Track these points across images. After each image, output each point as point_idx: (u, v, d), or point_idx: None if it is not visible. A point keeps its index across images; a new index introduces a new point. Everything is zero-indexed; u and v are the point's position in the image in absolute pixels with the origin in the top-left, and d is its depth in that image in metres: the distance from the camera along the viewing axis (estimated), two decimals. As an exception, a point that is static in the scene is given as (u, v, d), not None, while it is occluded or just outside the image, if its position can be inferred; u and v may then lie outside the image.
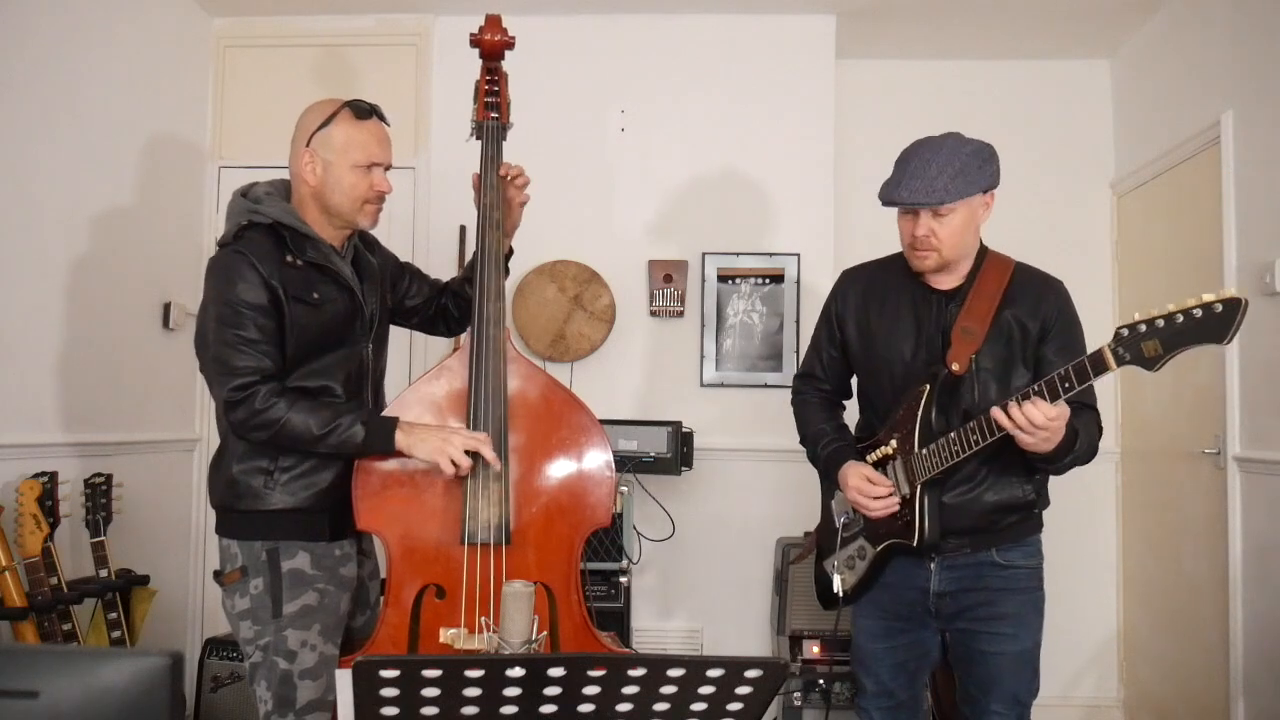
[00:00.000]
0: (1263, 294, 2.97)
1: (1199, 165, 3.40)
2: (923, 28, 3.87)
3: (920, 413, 1.99)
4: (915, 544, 1.99)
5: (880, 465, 2.08)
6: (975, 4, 3.66)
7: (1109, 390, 4.00)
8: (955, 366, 1.97)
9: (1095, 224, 4.07)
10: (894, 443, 2.04)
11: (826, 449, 2.19)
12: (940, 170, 1.91)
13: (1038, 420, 1.76)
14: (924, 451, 1.97)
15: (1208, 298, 1.60)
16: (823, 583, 2.25)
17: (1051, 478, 2.13)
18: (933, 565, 2.05)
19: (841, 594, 2.17)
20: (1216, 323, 1.59)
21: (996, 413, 1.80)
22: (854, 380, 2.30)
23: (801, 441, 2.30)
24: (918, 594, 2.08)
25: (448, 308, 2.36)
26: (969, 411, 1.96)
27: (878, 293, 2.15)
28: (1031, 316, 2.00)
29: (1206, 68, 3.35)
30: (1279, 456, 2.88)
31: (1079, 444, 1.89)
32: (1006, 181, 4.07)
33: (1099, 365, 1.71)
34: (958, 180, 1.91)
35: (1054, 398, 1.76)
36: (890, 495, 2.02)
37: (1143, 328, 1.65)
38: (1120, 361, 1.68)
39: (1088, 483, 3.98)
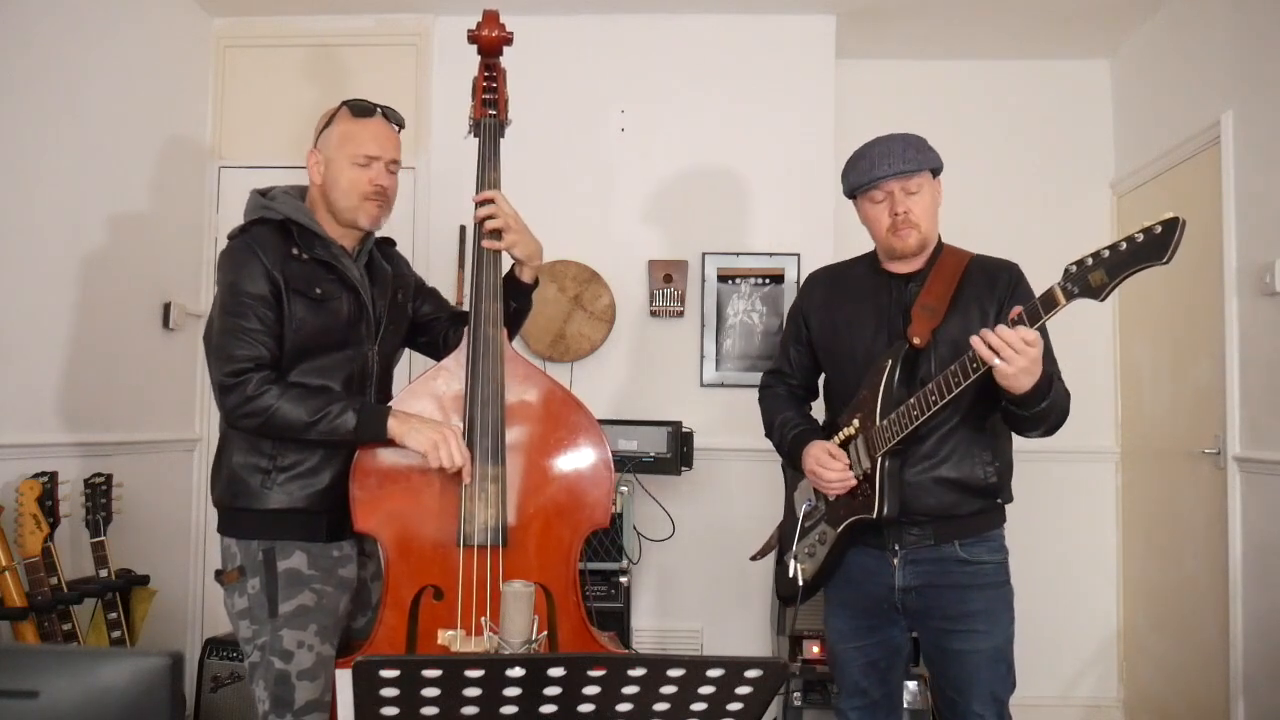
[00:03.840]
0: (1263, 294, 2.97)
1: (1199, 165, 3.40)
2: (923, 28, 3.87)
3: (883, 386, 2.02)
4: (875, 516, 2.00)
5: (843, 446, 2.10)
6: (975, 4, 3.66)
7: (1109, 390, 4.01)
8: (916, 340, 2.02)
9: (1095, 224, 4.07)
10: (856, 422, 2.07)
11: (792, 433, 2.22)
12: (904, 148, 2.05)
13: (1012, 340, 1.76)
14: (884, 422, 1.99)
15: (1148, 223, 1.62)
16: (782, 577, 2.26)
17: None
18: (896, 560, 2.06)
19: (800, 583, 2.18)
20: (1157, 243, 1.61)
21: (975, 341, 1.80)
22: (821, 380, 2.34)
23: (768, 433, 2.32)
24: (884, 590, 2.09)
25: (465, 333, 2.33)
26: (925, 382, 1.98)
27: (841, 286, 2.23)
28: (988, 297, 2.06)
29: (1206, 68, 3.35)
30: (1279, 456, 2.89)
31: (1053, 390, 1.89)
32: (1006, 181, 4.10)
33: (1049, 303, 1.75)
34: (921, 153, 2.06)
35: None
36: (846, 470, 2.04)
37: (1089, 261, 1.69)
38: (1069, 296, 1.72)
39: (1088, 483, 3.99)
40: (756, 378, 3.77)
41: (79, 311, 3.08)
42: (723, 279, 3.82)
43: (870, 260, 2.22)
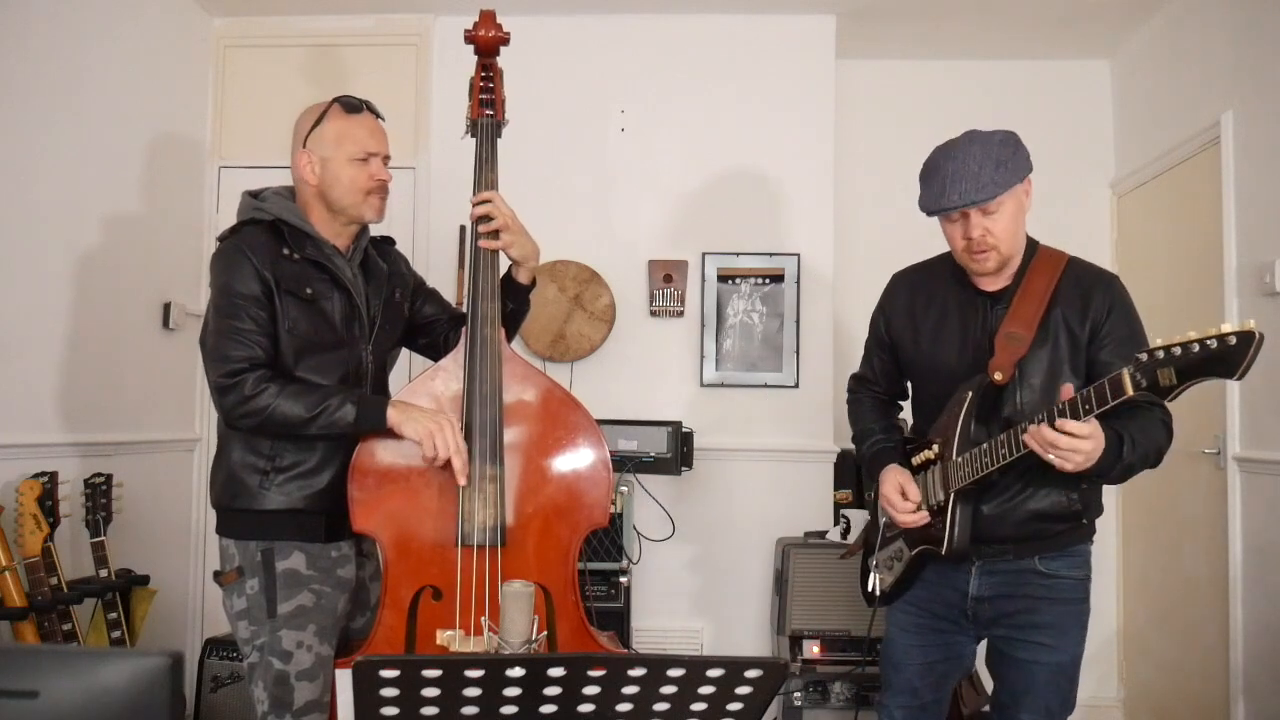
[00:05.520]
0: (1263, 294, 2.97)
1: (1199, 165, 3.40)
2: (923, 28, 3.87)
3: (960, 421, 1.93)
4: (943, 552, 1.94)
5: (922, 469, 2.04)
6: (975, 4, 3.66)
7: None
8: (998, 376, 1.91)
9: (1095, 224, 4.07)
10: (936, 447, 2.00)
11: (872, 448, 2.16)
12: (981, 165, 1.86)
13: (1063, 443, 1.69)
14: (959, 460, 1.92)
15: (1226, 328, 1.50)
16: (865, 580, 2.24)
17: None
18: (973, 569, 2.00)
19: (878, 594, 2.15)
20: (1231, 356, 1.49)
21: (1025, 437, 1.76)
22: (909, 382, 2.27)
23: (853, 440, 2.27)
24: (956, 596, 2.03)
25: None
26: (1010, 420, 1.90)
27: (925, 295, 2.11)
28: (1080, 319, 1.92)
29: (1206, 68, 3.35)
30: (1279, 456, 2.88)
31: (1125, 450, 1.78)
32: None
33: (1118, 390, 1.62)
34: (1001, 171, 1.87)
35: (1074, 417, 1.69)
36: (918, 510, 1.99)
37: (1160, 354, 1.56)
38: (1137, 387, 1.59)
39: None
40: (756, 378, 3.83)
41: (79, 311, 3.08)
42: (723, 279, 3.82)
43: (955, 265, 2.05)
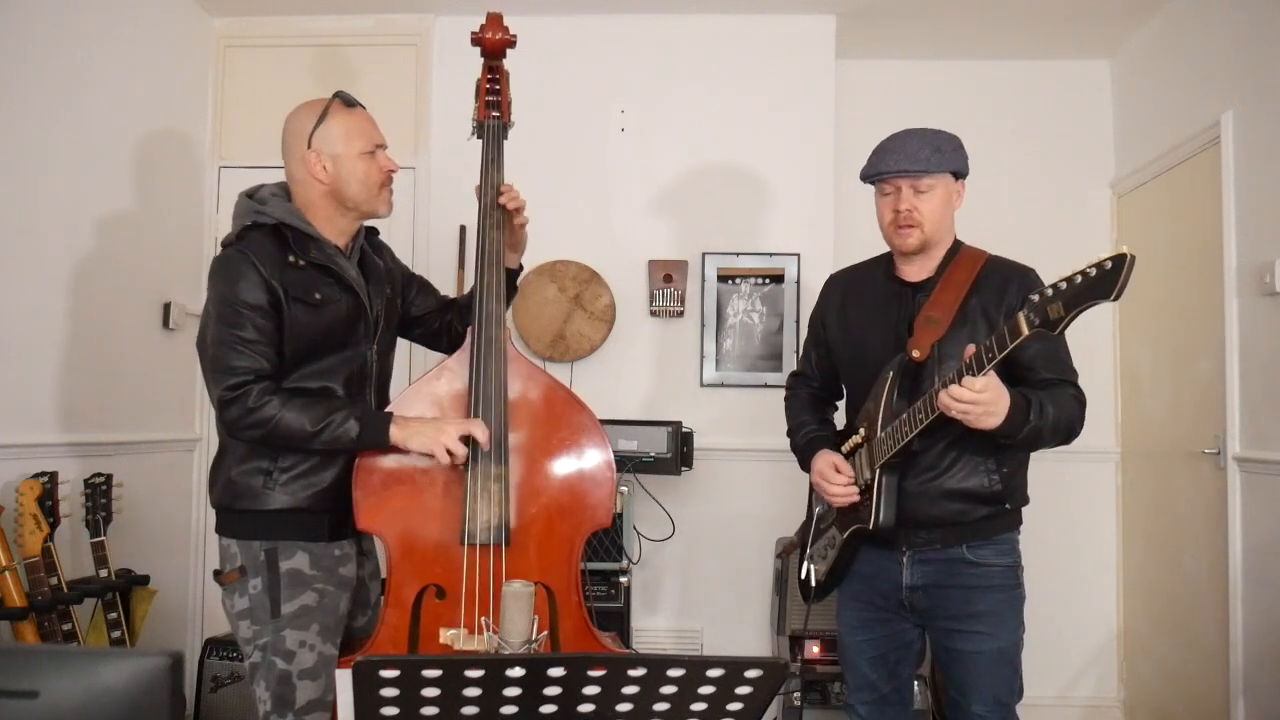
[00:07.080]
0: (1263, 294, 2.97)
1: (1199, 165, 3.40)
2: (923, 28, 3.87)
3: (884, 398, 2.03)
4: (871, 527, 2.01)
5: (851, 455, 2.12)
6: (976, 4, 3.66)
7: (1109, 390, 4.00)
8: (916, 353, 2.01)
9: (1095, 224, 4.07)
10: (862, 431, 2.09)
11: (804, 438, 2.24)
12: (920, 145, 2.03)
13: (966, 396, 1.79)
14: (883, 434, 2.00)
15: (1102, 256, 1.58)
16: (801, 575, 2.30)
17: (1035, 474, 2.13)
18: (904, 559, 2.07)
19: (813, 583, 2.22)
20: (1106, 279, 1.57)
21: (939, 397, 1.84)
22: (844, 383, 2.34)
23: (787, 435, 2.35)
24: (891, 587, 2.09)
25: (452, 324, 2.34)
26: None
27: (856, 291, 2.23)
28: (996, 306, 2.02)
29: (1206, 68, 3.35)
30: (1279, 456, 2.89)
31: (1033, 414, 1.88)
32: (1006, 181, 4.09)
33: (1014, 331, 1.72)
34: (936, 155, 2.03)
35: (979, 369, 1.78)
36: (850, 484, 2.06)
37: (1050, 292, 1.66)
38: (1031, 325, 1.68)
39: (1088, 483, 3.99)
40: (756, 378, 3.83)
41: (79, 311, 3.08)
42: (723, 279, 3.82)
43: (887, 264, 2.19)
